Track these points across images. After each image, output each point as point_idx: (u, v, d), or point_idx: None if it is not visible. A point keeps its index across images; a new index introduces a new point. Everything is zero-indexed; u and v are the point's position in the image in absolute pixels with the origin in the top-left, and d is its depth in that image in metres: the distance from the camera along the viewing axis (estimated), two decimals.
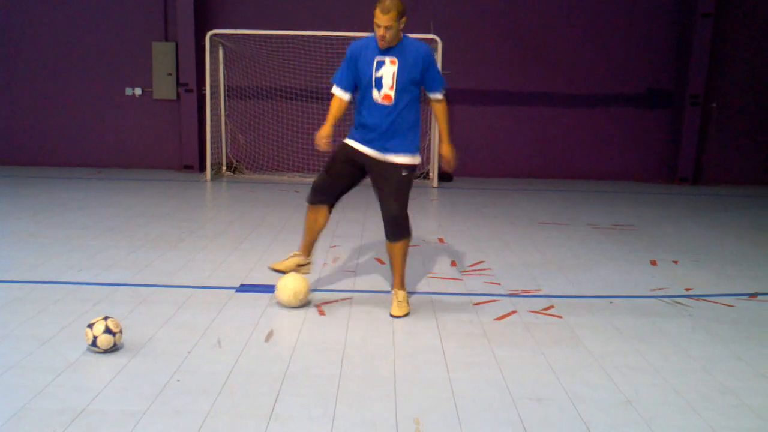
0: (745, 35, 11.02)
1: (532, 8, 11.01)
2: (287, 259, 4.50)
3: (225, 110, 10.92)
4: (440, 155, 4.40)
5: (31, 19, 10.88)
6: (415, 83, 4.12)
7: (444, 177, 10.66)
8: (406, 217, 4.23)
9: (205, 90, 10.50)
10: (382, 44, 4.03)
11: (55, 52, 10.98)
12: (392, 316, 4.23)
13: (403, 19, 3.99)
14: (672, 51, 11.14)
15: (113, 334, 3.45)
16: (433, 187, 10.16)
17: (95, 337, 3.42)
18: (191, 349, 3.58)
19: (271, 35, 10.35)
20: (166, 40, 10.97)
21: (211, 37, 10.16)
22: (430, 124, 10.65)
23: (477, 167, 11.35)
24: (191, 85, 10.81)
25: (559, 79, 11.18)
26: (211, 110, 10.41)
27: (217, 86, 10.72)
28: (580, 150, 11.40)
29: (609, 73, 11.19)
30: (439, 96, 4.22)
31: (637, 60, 11.15)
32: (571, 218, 7.79)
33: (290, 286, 4.26)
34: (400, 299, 4.30)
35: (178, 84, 10.94)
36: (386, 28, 3.92)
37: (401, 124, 4.12)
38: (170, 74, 10.95)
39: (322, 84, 10.71)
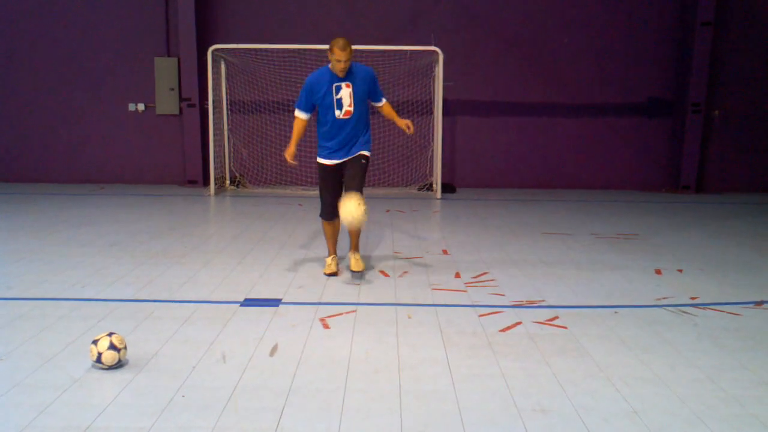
0: (745, 43, 11.04)
1: (532, 19, 11.05)
2: (329, 265, 5.52)
3: (227, 124, 10.96)
4: (403, 126, 5.43)
5: (34, 36, 10.96)
6: (365, 98, 5.30)
7: (447, 188, 10.68)
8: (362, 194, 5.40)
9: (207, 104, 10.55)
10: (342, 74, 5.11)
11: (57, 69, 11.05)
12: (353, 271, 5.42)
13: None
14: (672, 60, 11.16)
15: (118, 350, 3.46)
16: (436, 199, 10.17)
17: (100, 354, 3.42)
18: (196, 365, 3.58)
19: (272, 49, 10.42)
20: (168, 55, 11.04)
21: (212, 51, 10.22)
22: (431, 137, 10.69)
23: (479, 178, 11.38)
24: (194, 99, 10.88)
25: (560, 89, 11.21)
26: (213, 125, 10.45)
27: (220, 101, 10.77)
28: (582, 160, 11.41)
29: (610, 82, 11.22)
30: (382, 103, 5.49)
31: (638, 69, 11.17)
32: (574, 228, 7.79)
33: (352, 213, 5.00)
34: (358, 257, 5.48)
35: (181, 99, 11.00)
36: (346, 61, 5.03)
37: (360, 129, 5.30)
38: (173, 89, 11.00)
39: None
